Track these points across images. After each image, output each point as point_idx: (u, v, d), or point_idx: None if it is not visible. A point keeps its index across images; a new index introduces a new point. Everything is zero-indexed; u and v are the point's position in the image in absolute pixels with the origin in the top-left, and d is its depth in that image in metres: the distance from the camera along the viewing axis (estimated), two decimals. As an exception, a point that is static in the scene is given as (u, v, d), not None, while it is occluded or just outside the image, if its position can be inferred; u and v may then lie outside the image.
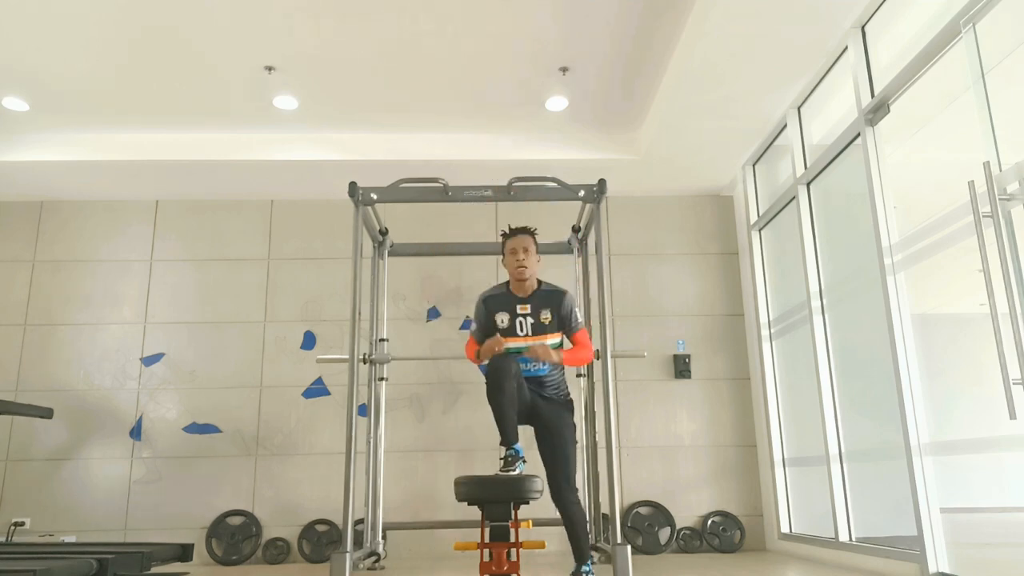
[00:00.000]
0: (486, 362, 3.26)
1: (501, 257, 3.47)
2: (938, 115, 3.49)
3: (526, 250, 3.35)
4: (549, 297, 3.40)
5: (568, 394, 3.47)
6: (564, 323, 3.39)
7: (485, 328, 3.43)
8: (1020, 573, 3.13)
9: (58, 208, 5.90)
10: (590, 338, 3.52)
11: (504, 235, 3.44)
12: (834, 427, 4.35)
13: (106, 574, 2.78)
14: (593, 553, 4.42)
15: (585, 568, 3.27)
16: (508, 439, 3.16)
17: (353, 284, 3.81)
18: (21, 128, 5.23)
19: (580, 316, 3.45)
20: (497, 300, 3.43)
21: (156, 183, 5.65)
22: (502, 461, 3.14)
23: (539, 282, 3.45)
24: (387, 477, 5.29)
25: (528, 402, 3.30)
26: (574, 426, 3.41)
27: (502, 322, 3.39)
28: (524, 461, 3.20)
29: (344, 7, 4.04)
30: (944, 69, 3.28)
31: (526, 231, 3.41)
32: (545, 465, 3.31)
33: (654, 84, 4.82)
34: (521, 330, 3.36)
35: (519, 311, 3.38)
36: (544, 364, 3.33)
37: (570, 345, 3.46)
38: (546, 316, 3.37)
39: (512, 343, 3.33)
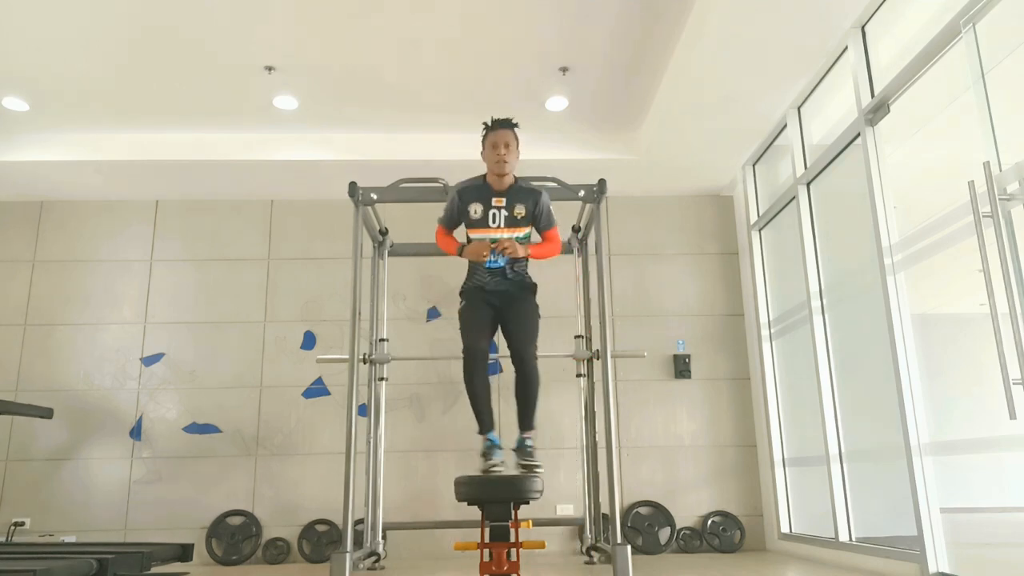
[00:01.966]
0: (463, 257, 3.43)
1: (481, 150, 3.47)
2: (938, 115, 3.48)
3: (507, 145, 3.36)
4: (526, 194, 3.48)
5: (530, 277, 3.55)
6: (538, 219, 3.48)
7: (454, 218, 3.52)
8: (1020, 573, 3.13)
9: (58, 208, 5.90)
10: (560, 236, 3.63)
11: (486, 126, 3.43)
12: (834, 427, 4.35)
13: (106, 574, 2.78)
14: (593, 553, 4.43)
15: (528, 442, 3.33)
16: (484, 426, 3.29)
17: (353, 284, 3.81)
18: (21, 128, 5.23)
19: (554, 216, 3.54)
20: (472, 192, 3.48)
21: (156, 183, 5.65)
22: (482, 458, 3.24)
23: (516, 178, 3.49)
24: (387, 477, 5.29)
25: (493, 305, 3.42)
26: (536, 305, 3.50)
27: (475, 212, 3.44)
28: (500, 448, 3.28)
29: (344, 7, 4.04)
30: (944, 69, 3.28)
31: (508, 124, 3.41)
32: (507, 333, 3.40)
33: (654, 84, 4.82)
34: (494, 222, 3.42)
35: (494, 203, 3.44)
36: (502, 257, 3.39)
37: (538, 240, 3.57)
38: (520, 211, 3.43)
39: (483, 233, 3.42)
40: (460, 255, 3.48)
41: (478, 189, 3.47)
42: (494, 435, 3.32)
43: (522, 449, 3.32)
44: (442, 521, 5.12)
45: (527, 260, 3.51)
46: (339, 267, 5.81)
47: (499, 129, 3.39)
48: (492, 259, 3.40)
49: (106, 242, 5.85)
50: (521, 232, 3.46)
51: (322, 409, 5.56)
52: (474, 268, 3.50)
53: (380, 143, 5.41)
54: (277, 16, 4.11)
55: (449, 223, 3.56)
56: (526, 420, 3.38)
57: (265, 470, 5.43)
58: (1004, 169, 2.78)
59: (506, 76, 4.73)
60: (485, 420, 3.32)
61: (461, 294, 3.56)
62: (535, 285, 3.57)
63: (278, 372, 5.62)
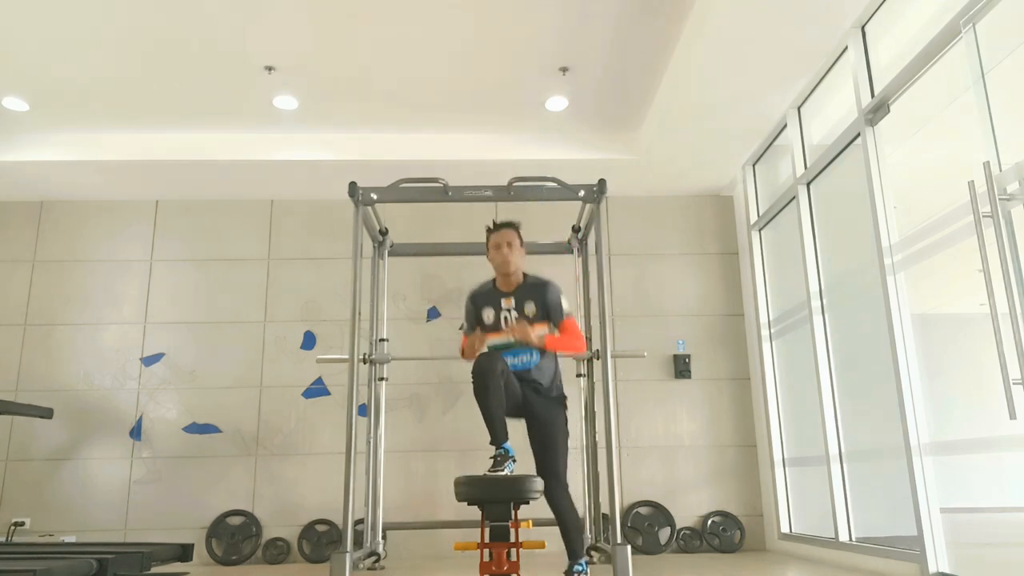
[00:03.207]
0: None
1: (487, 253, 3.44)
2: (938, 115, 3.48)
3: (509, 244, 3.35)
4: (533, 289, 3.39)
5: (561, 389, 3.45)
6: (551, 313, 3.35)
7: (474, 325, 3.45)
8: (1020, 573, 3.13)
9: (58, 208, 5.90)
10: (580, 328, 3.48)
11: (488, 230, 3.43)
12: (834, 427, 4.35)
13: (106, 574, 2.78)
14: (592, 553, 4.43)
15: (578, 567, 3.24)
16: (497, 438, 3.13)
17: (353, 284, 3.81)
18: (21, 128, 5.23)
19: (566, 305, 3.39)
20: (483, 296, 3.45)
21: (156, 183, 5.65)
22: (492, 460, 3.13)
23: (524, 275, 3.44)
24: (387, 477, 5.29)
25: (519, 398, 3.27)
26: (566, 420, 3.37)
27: (488, 318, 3.40)
28: (514, 460, 3.17)
29: (344, 7, 4.04)
30: (944, 69, 3.28)
31: (510, 225, 3.40)
32: (536, 462, 3.30)
33: (654, 84, 4.82)
34: (506, 325, 3.35)
35: (503, 305, 3.38)
36: (533, 357, 3.30)
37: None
38: (530, 308, 3.35)
39: (498, 338, 3.34)
40: (463, 356, 3.44)
41: (488, 294, 3.44)
42: (508, 445, 3.16)
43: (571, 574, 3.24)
44: (442, 521, 5.12)
45: (555, 365, 3.42)
46: (339, 267, 5.81)
47: (500, 230, 3.38)
48: (516, 362, 3.30)
49: (106, 242, 5.85)
50: (538, 329, 3.33)
51: (322, 409, 5.56)
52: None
53: (380, 143, 5.41)
54: (277, 16, 4.11)
55: (471, 330, 3.47)
56: (573, 551, 3.25)
57: (265, 470, 5.43)
58: (1004, 169, 2.78)
59: (506, 76, 4.73)
60: (498, 432, 3.12)
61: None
62: (566, 398, 3.43)
63: (278, 372, 5.62)
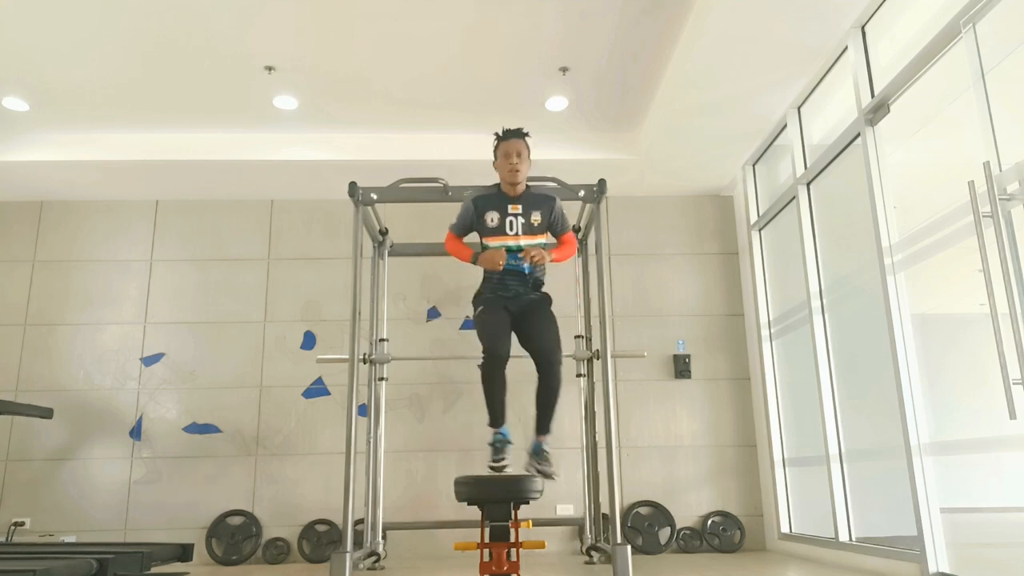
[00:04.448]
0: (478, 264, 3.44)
1: (493, 160, 3.49)
2: (938, 115, 3.48)
3: (519, 154, 3.41)
4: (540, 200, 3.52)
5: (545, 290, 3.60)
6: (554, 225, 3.54)
7: (468, 226, 3.55)
8: (1020, 573, 3.13)
9: (58, 208, 5.90)
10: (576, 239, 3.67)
11: (497, 137, 3.47)
12: (834, 427, 4.35)
13: (106, 574, 2.78)
14: (593, 553, 4.43)
15: (545, 446, 3.38)
16: (496, 421, 3.33)
17: (353, 284, 3.82)
18: (21, 128, 5.23)
19: (568, 219, 3.60)
20: (487, 200, 3.50)
21: (156, 183, 5.65)
22: (491, 448, 3.30)
23: (527, 185, 3.53)
24: (387, 477, 5.29)
25: (513, 311, 3.45)
26: (554, 317, 3.56)
27: (492, 220, 3.46)
28: (511, 443, 3.33)
29: (344, 7, 4.04)
30: (944, 69, 3.28)
31: (520, 134, 3.45)
32: (532, 341, 3.43)
33: (654, 84, 4.82)
34: (511, 229, 3.45)
35: (510, 211, 3.47)
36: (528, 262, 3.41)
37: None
38: (536, 218, 3.48)
39: (501, 241, 3.44)
40: (474, 263, 3.47)
41: (493, 197, 3.50)
42: (506, 429, 3.36)
43: (539, 453, 3.36)
44: (442, 521, 5.12)
45: (545, 270, 3.55)
46: (339, 267, 5.81)
47: (511, 139, 3.42)
48: (514, 264, 3.42)
49: (106, 242, 5.85)
50: (538, 239, 3.49)
51: (322, 409, 5.56)
52: (491, 274, 3.49)
53: (380, 143, 5.41)
54: (277, 16, 4.11)
55: (461, 230, 3.57)
56: (544, 424, 3.41)
57: (265, 470, 5.43)
58: (1004, 169, 2.78)
59: (506, 76, 4.73)
60: (498, 415, 3.35)
61: (476, 300, 3.56)
62: (551, 298, 3.61)
63: (278, 372, 5.62)
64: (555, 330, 3.48)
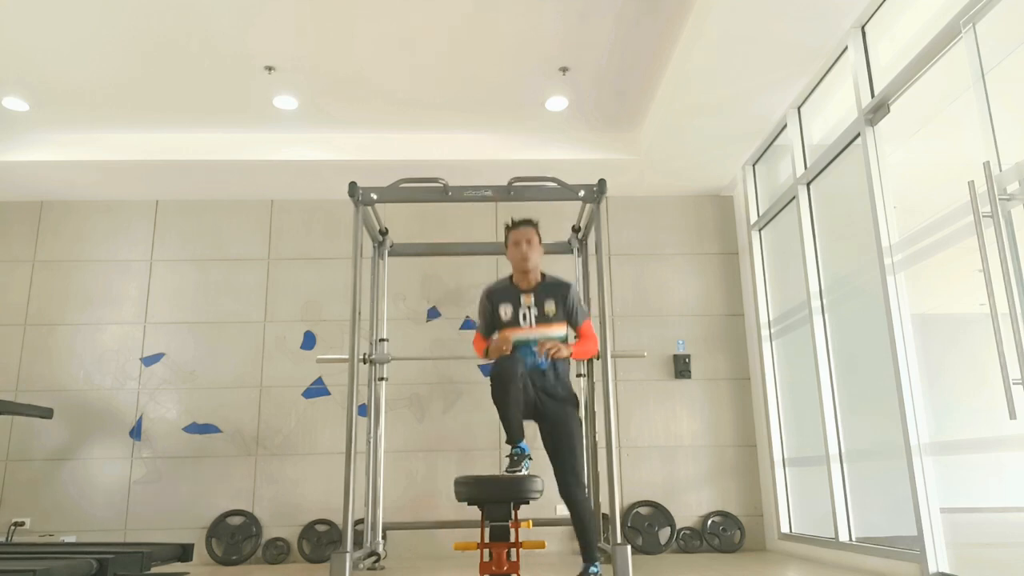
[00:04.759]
0: (492, 361, 3.25)
1: (505, 250, 3.47)
2: (938, 115, 3.48)
3: (529, 242, 3.37)
4: (554, 288, 3.41)
5: (571, 388, 3.45)
6: (570, 314, 3.41)
7: (489, 322, 3.45)
8: (1020, 573, 3.13)
9: (58, 208, 5.90)
10: (594, 329, 3.52)
11: (507, 227, 3.45)
12: (834, 427, 4.35)
13: (106, 574, 2.78)
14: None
15: (593, 569, 3.22)
16: (514, 437, 3.16)
17: (353, 284, 3.81)
18: (21, 128, 5.23)
19: (585, 307, 3.47)
20: (500, 292, 3.44)
21: (156, 183, 5.65)
22: (508, 460, 3.16)
23: (543, 275, 3.46)
24: (387, 477, 5.29)
25: (532, 399, 3.29)
26: (580, 421, 3.39)
27: (505, 314, 3.39)
28: (530, 458, 3.20)
29: (344, 7, 4.04)
30: (944, 69, 3.28)
31: (529, 223, 3.42)
32: (552, 462, 3.29)
33: (654, 84, 4.82)
34: (525, 321, 3.36)
35: (523, 302, 3.39)
36: (544, 356, 3.30)
37: (573, 337, 3.47)
38: (550, 307, 3.38)
39: (516, 334, 3.33)
40: (487, 356, 3.37)
41: (505, 290, 3.44)
42: (524, 444, 3.19)
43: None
44: (442, 521, 5.12)
45: (568, 365, 3.44)
46: (339, 267, 5.82)
47: (520, 227, 3.40)
48: (532, 361, 3.31)
49: (106, 242, 5.85)
50: (554, 330, 3.37)
51: (322, 409, 5.56)
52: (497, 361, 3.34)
53: (380, 143, 5.41)
54: (277, 16, 4.11)
55: (485, 329, 3.47)
56: (588, 553, 3.23)
57: (265, 470, 5.43)
58: (1004, 169, 2.78)
59: (506, 76, 4.73)
60: (515, 432, 3.15)
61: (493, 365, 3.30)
62: (577, 398, 3.44)
63: (278, 372, 5.62)
64: (578, 448, 3.27)
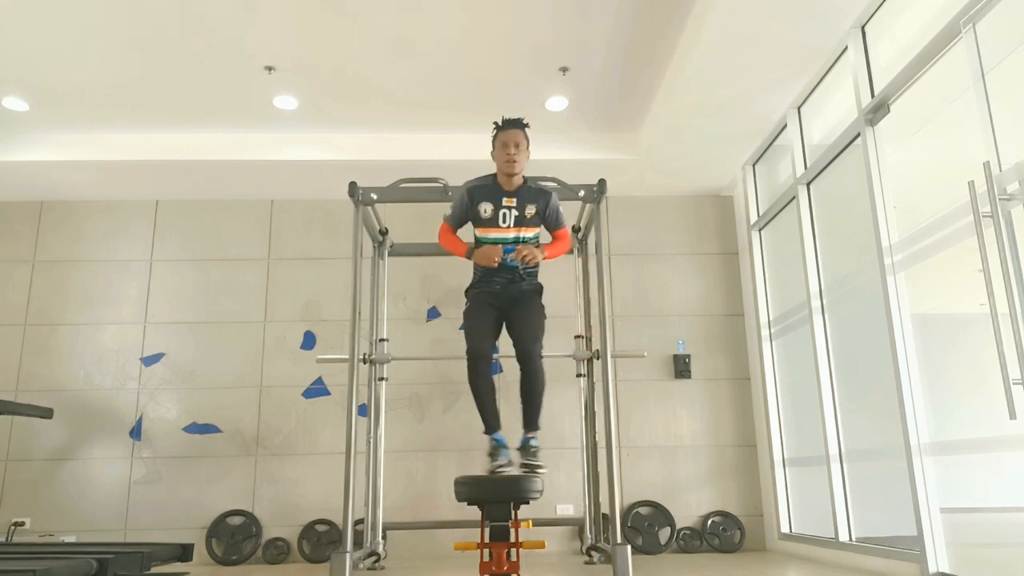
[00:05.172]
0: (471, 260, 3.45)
1: (491, 149, 3.45)
2: (938, 115, 3.49)
3: (517, 145, 3.36)
4: (537, 194, 3.48)
5: (536, 281, 3.59)
6: (549, 219, 3.50)
7: (462, 216, 3.51)
8: (1020, 573, 3.13)
9: (58, 208, 5.90)
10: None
11: (496, 126, 3.42)
12: (834, 427, 4.35)
13: (106, 574, 2.78)
14: (593, 553, 4.43)
15: (533, 441, 3.33)
16: (491, 426, 3.33)
17: (353, 284, 3.81)
18: (21, 128, 5.23)
19: (563, 215, 3.56)
20: (482, 190, 3.46)
21: (156, 183, 5.65)
22: (489, 458, 3.28)
23: (525, 179, 3.48)
24: (387, 477, 5.29)
25: (505, 301, 3.45)
26: (542, 305, 3.54)
27: (485, 212, 3.43)
28: (507, 448, 3.31)
29: (344, 7, 4.04)
30: (944, 69, 3.28)
31: (519, 124, 3.40)
32: (513, 332, 3.42)
33: (654, 84, 4.82)
34: (504, 221, 3.42)
35: (505, 203, 3.43)
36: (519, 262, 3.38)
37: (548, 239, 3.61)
38: (531, 210, 3.44)
39: (493, 233, 3.42)
40: (469, 258, 3.46)
41: (488, 188, 3.45)
42: (500, 435, 3.35)
43: (526, 449, 3.32)
44: (442, 521, 5.12)
45: (538, 264, 3.52)
46: (339, 267, 5.81)
47: (509, 129, 3.37)
48: (507, 259, 3.40)
49: (106, 242, 5.85)
50: (531, 232, 3.48)
51: (322, 409, 5.56)
52: (482, 268, 3.49)
53: (380, 143, 5.41)
54: (277, 16, 4.11)
55: (456, 221, 3.54)
56: (531, 420, 3.39)
57: (265, 470, 5.43)
58: (1004, 169, 2.78)
59: (506, 76, 4.73)
60: (491, 420, 3.35)
61: (467, 294, 3.57)
62: (542, 286, 3.60)
63: (278, 372, 5.62)
64: (539, 323, 3.45)
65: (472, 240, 3.54)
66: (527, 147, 3.41)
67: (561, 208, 3.55)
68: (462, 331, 3.60)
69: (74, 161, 5.28)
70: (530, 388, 3.36)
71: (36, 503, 5.33)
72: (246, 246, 5.88)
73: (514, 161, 3.35)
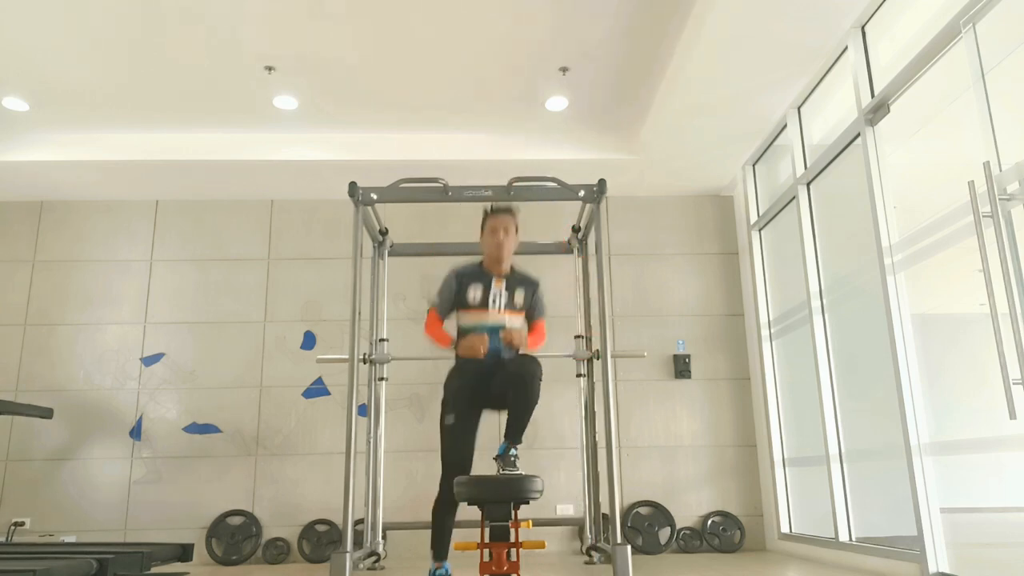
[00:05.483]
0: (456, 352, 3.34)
1: (480, 235, 3.45)
2: (938, 115, 3.49)
3: (506, 231, 3.37)
4: (525, 281, 3.48)
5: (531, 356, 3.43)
6: (535, 308, 3.51)
7: (451, 301, 3.45)
8: (1020, 573, 3.13)
9: (58, 208, 5.90)
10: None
11: (486, 213, 3.42)
12: (834, 427, 4.35)
13: (106, 574, 2.78)
14: (593, 553, 4.42)
15: (513, 452, 3.21)
16: (440, 554, 3.28)
17: (353, 284, 3.81)
18: (21, 128, 5.23)
19: (544, 305, 3.56)
20: (471, 275, 3.44)
21: (156, 183, 5.65)
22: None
23: (512, 267, 3.49)
24: (387, 477, 5.29)
25: (495, 386, 3.26)
26: (541, 369, 3.30)
27: (475, 297, 3.39)
28: None
29: (344, 7, 4.04)
30: (944, 69, 3.28)
31: (509, 211, 3.40)
32: (511, 403, 3.23)
33: (654, 84, 4.82)
34: (494, 304, 3.38)
35: (495, 286, 3.41)
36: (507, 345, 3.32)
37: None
38: (519, 298, 3.43)
39: (482, 317, 3.37)
40: (454, 350, 3.38)
41: (477, 273, 3.43)
42: (448, 565, 3.29)
43: (505, 457, 3.23)
44: (442, 521, 5.11)
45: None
46: (339, 267, 5.81)
47: (499, 215, 3.38)
48: (493, 345, 3.31)
49: (106, 242, 5.85)
50: (518, 319, 3.42)
51: (322, 409, 5.56)
52: (464, 363, 3.38)
53: (380, 143, 5.41)
54: (277, 16, 4.11)
55: (444, 309, 3.45)
56: (515, 432, 3.24)
57: (265, 470, 5.43)
58: (1004, 169, 2.78)
59: (506, 76, 4.73)
60: (443, 548, 3.30)
61: (446, 390, 3.39)
62: (540, 365, 3.32)
63: (278, 372, 5.62)
64: (535, 395, 3.21)
65: (456, 328, 3.46)
66: (516, 232, 3.41)
67: (544, 299, 3.54)
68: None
69: (74, 161, 5.28)
70: (523, 405, 3.21)
71: (36, 503, 5.34)
72: (246, 246, 5.88)
73: (502, 247, 3.35)
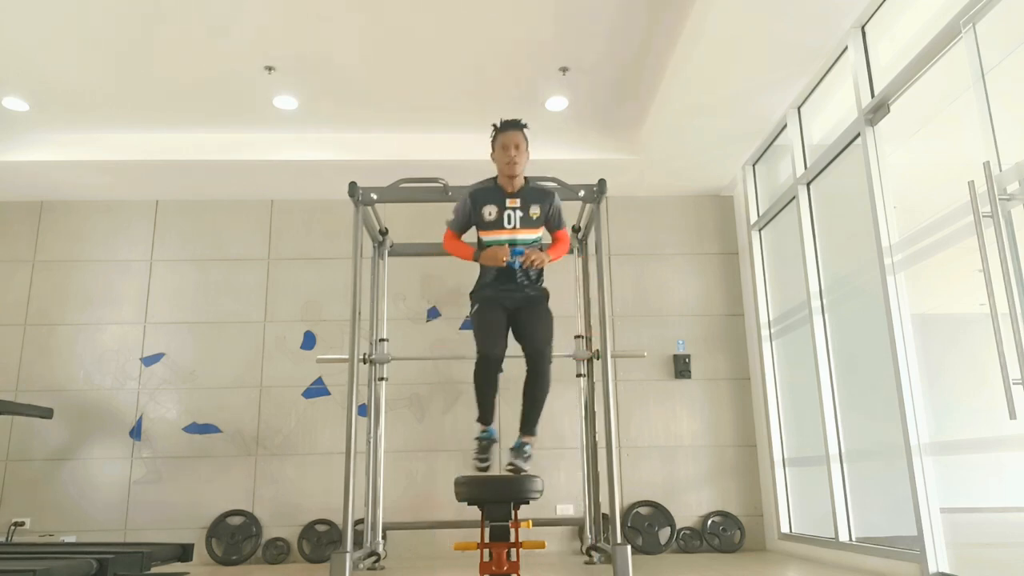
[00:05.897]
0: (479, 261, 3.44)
1: (491, 152, 3.47)
2: (938, 115, 3.49)
3: (517, 146, 3.38)
4: (540, 194, 3.51)
5: (543, 286, 3.58)
6: (552, 221, 3.55)
7: (465, 222, 3.52)
8: (1020, 573, 3.13)
9: (58, 208, 5.90)
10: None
11: (495, 128, 3.43)
12: (834, 427, 4.35)
13: (106, 574, 2.78)
14: (593, 553, 4.43)
15: (527, 447, 3.33)
16: (485, 418, 3.37)
17: (353, 284, 3.82)
18: (21, 128, 5.23)
19: (564, 216, 3.61)
20: (485, 194, 3.48)
21: (156, 183, 5.65)
22: (476, 443, 3.33)
23: (526, 179, 3.51)
24: (387, 477, 5.29)
25: (513, 307, 3.45)
26: (551, 312, 3.55)
27: (490, 214, 3.44)
28: (496, 441, 3.39)
29: (344, 7, 4.04)
30: (944, 69, 3.28)
31: (518, 125, 3.41)
32: (523, 336, 3.43)
33: (654, 84, 4.82)
34: (509, 223, 3.43)
35: (508, 204, 3.45)
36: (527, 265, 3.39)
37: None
38: (535, 211, 3.46)
39: (498, 235, 3.43)
40: (476, 260, 3.46)
41: (491, 191, 3.47)
42: (493, 428, 3.40)
43: (519, 451, 3.31)
44: (442, 521, 5.12)
45: (543, 267, 3.53)
46: (339, 267, 5.81)
47: (509, 130, 3.38)
48: (513, 260, 3.40)
49: (106, 242, 5.85)
50: (535, 233, 3.49)
51: (322, 409, 5.56)
52: (488, 271, 3.49)
53: (380, 143, 5.42)
54: (277, 16, 4.11)
55: (459, 227, 3.55)
56: (530, 423, 3.39)
57: (265, 470, 5.43)
58: (1004, 169, 2.78)
59: (506, 76, 4.73)
60: (487, 413, 3.38)
61: (473, 297, 3.55)
62: (548, 293, 3.60)
63: (278, 372, 5.62)
64: (548, 327, 3.47)
65: (476, 242, 3.54)
66: (527, 148, 3.42)
67: (563, 210, 3.58)
68: (463, 331, 3.62)
69: (74, 161, 5.28)
70: (535, 390, 3.37)
71: (36, 503, 5.33)
72: (246, 246, 5.88)
73: (515, 163, 3.36)
